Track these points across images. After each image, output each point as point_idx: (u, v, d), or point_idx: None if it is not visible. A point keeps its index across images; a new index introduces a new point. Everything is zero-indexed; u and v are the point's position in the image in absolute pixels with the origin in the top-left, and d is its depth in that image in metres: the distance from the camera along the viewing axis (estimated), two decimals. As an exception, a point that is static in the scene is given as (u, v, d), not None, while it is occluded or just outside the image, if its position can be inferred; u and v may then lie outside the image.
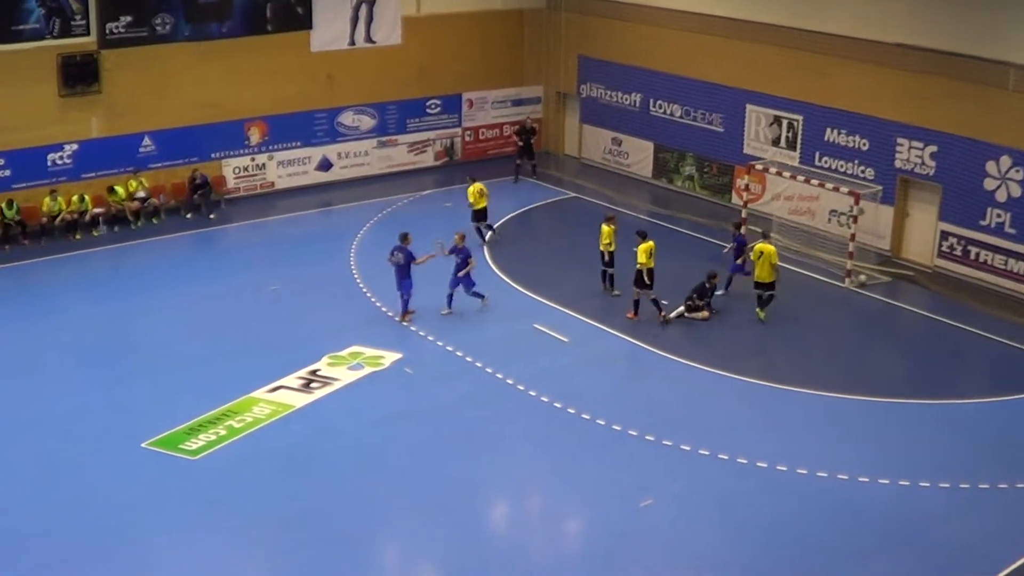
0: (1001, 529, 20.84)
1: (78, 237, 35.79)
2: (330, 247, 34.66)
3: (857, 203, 32.10)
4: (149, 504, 21.39)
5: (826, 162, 35.40)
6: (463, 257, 29.46)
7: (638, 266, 29.30)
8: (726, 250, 32.46)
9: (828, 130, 35.31)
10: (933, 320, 30.46)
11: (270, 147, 40.27)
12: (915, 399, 25.81)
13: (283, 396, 25.46)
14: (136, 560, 19.96)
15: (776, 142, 36.96)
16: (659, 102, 40.86)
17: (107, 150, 37.17)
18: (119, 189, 36.79)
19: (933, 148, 32.67)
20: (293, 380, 26.16)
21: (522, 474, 22.95)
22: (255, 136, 39.94)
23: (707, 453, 23.09)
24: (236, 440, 23.57)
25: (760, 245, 29.84)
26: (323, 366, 26.95)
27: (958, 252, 32.52)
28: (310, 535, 20.46)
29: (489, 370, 26.80)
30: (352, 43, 41.27)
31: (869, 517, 21.06)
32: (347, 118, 41.63)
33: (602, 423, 24.35)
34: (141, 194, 37.12)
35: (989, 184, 31.50)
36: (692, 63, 39.40)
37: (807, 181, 34.01)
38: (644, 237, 29.57)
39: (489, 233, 35.53)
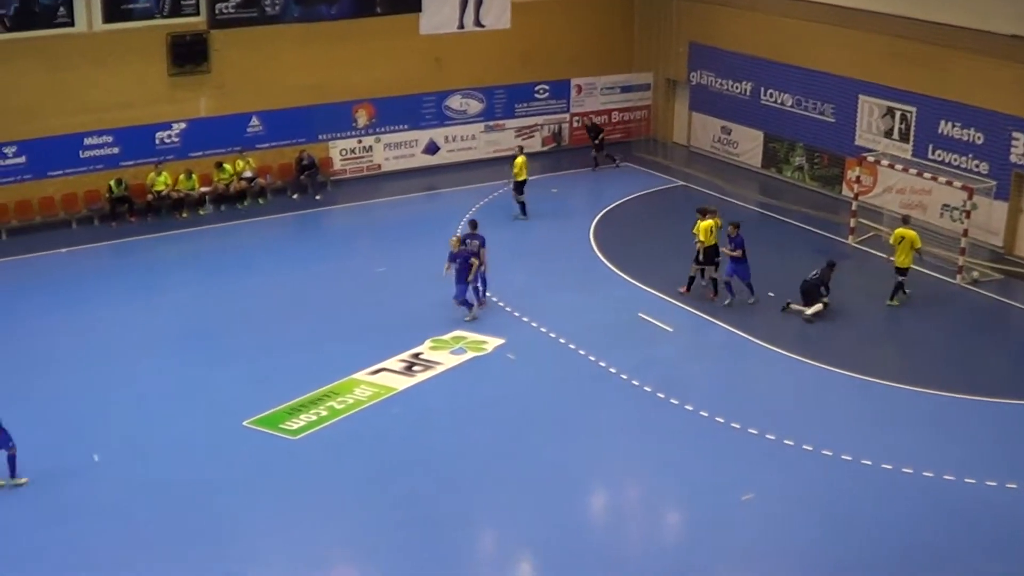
0: (1114, 536, 20.27)
1: (184, 215, 36.28)
2: (436, 231, 34.72)
3: (970, 197, 31.38)
4: (249, 482, 21.59)
5: (939, 155, 34.66)
6: (463, 259, 28.74)
7: (697, 244, 29.50)
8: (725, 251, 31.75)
9: (942, 122, 34.56)
10: (1047, 320, 29.81)
11: (377, 129, 40.47)
12: (1026, 400, 25.24)
13: (385, 379, 25.56)
14: (235, 537, 20.17)
15: (888, 134, 36.32)
16: (770, 91, 40.36)
17: (215, 129, 37.60)
18: (227, 166, 37.20)
19: (1051, 143, 31.95)
20: (395, 363, 26.26)
21: (621, 462, 22.84)
22: (362, 118, 40.15)
23: (810, 448, 22.75)
24: (337, 421, 23.73)
25: (900, 230, 29.65)
26: (425, 350, 27.01)
27: (1074, 251, 31.80)
28: (407, 516, 20.56)
29: (592, 358, 26.68)
30: (461, 26, 41.32)
31: (974, 519, 20.57)
32: (455, 102, 41.70)
33: (705, 415, 24.11)
34: (248, 174, 37.49)
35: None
36: (804, 52, 38.84)
37: (919, 174, 33.39)
38: (704, 215, 29.67)
39: (519, 212, 36.17)
